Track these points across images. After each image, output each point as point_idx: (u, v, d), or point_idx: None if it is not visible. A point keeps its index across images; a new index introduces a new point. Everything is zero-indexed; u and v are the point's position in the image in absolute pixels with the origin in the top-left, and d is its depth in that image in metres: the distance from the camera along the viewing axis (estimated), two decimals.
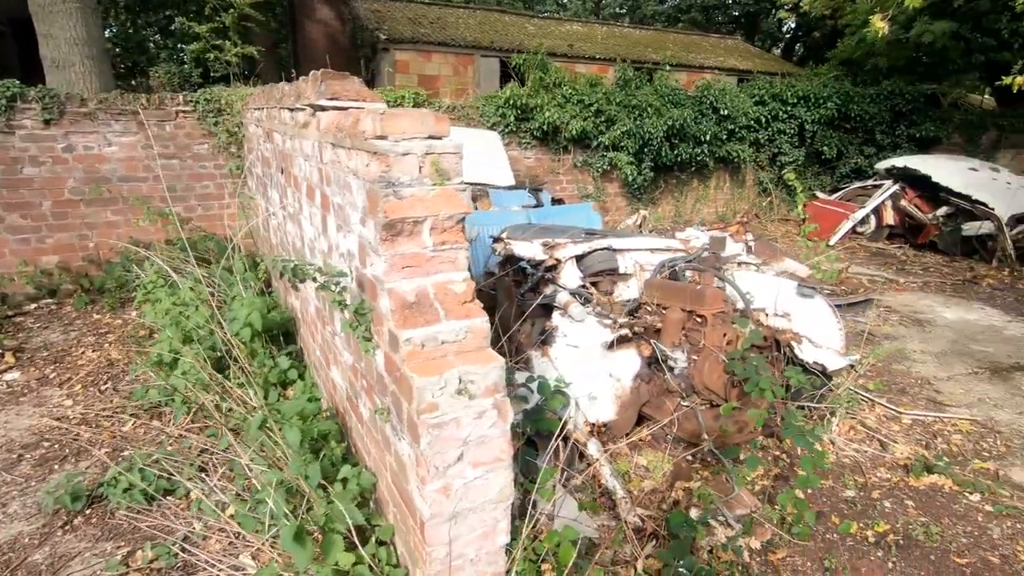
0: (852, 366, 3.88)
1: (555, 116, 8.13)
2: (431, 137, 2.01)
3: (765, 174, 10.73)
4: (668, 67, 9.63)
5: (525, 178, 8.64)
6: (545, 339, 3.30)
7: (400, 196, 1.92)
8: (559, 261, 3.90)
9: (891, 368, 4.82)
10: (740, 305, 3.70)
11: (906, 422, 3.96)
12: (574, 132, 8.36)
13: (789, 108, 10.36)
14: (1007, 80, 7.98)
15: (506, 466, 1.99)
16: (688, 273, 4.03)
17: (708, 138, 9.45)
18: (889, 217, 9.58)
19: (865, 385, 4.36)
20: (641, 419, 3.41)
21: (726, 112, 9.60)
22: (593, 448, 3.01)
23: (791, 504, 2.70)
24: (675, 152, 9.20)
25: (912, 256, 8.87)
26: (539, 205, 6.69)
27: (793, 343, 3.49)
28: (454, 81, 14.32)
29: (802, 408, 3.71)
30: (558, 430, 2.54)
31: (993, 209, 8.17)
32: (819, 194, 10.59)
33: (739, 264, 5.97)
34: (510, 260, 4.19)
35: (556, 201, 7.10)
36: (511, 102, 7.92)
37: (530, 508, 2.22)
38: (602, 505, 2.84)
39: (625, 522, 2.68)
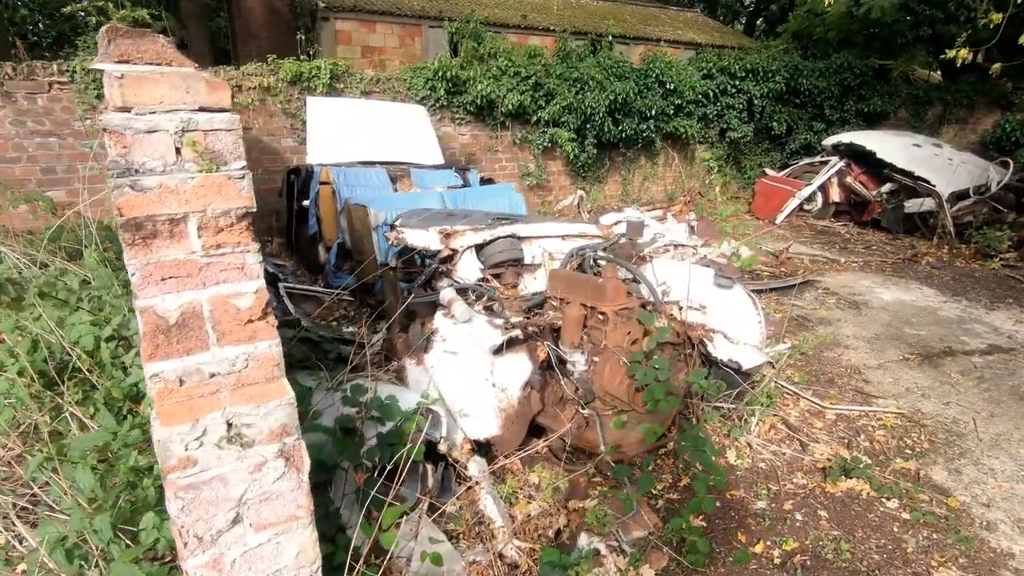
0: (771, 363, 3.61)
1: (490, 89, 7.61)
2: (202, 109, 1.56)
3: (714, 151, 10.46)
4: (611, 36, 9.15)
5: (461, 156, 8.14)
6: (426, 344, 2.90)
7: (142, 187, 1.46)
8: (456, 251, 3.49)
9: (821, 356, 4.61)
10: (652, 299, 3.37)
11: (830, 417, 3.73)
12: (511, 107, 7.87)
13: (737, 82, 10.04)
14: (951, 53, 7.78)
15: (304, 524, 1.60)
16: (602, 263, 3.68)
17: (654, 113, 9.09)
18: (835, 194, 9.45)
19: (791, 376, 4.12)
20: (541, 431, 3.07)
21: (672, 86, 9.23)
22: (474, 469, 2.65)
23: (685, 529, 2.40)
24: (619, 128, 8.81)
25: (856, 234, 8.76)
26: (466, 185, 6.23)
27: (706, 340, 3.17)
28: (400, 53, 13.54)
29: (719, 409, 3.43)
30: (412, 455, 2.16)
31: (934, 186, 8.07)
32: (768, 171, 10.39)
33: (675, 247, 5.60)
34: (406, 251, 3.75)
35: (487, 181, 6.64)
36: (440, 74, 7.36)
37: (357, 559, 1.84)
38: (478, 536, 2.49)
39: (498, 556, 2.34)
